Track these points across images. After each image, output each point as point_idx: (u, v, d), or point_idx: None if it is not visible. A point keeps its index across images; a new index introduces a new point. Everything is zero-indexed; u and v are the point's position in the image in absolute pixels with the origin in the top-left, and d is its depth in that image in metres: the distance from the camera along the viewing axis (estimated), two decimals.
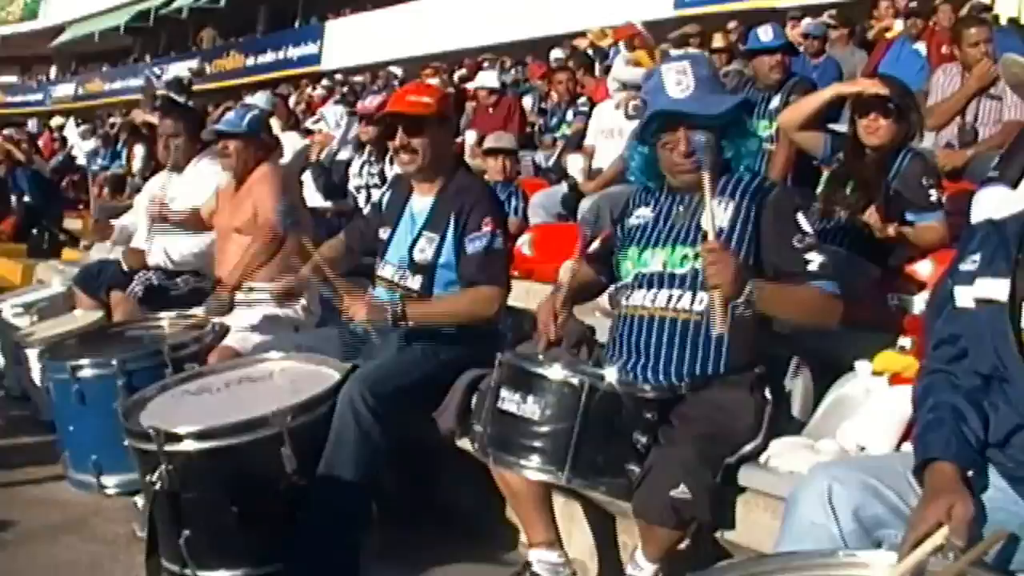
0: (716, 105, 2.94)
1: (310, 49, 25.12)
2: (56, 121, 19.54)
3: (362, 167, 7.00)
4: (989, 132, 5.22)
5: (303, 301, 4.54)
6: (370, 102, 7.28)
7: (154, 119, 8.20)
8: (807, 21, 9.52)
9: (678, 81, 2.95)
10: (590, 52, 10.75)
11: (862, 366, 3.09)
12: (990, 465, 2.09)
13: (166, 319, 4.58)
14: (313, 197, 7.19)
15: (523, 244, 5.51)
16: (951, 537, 1.86)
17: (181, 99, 9.49)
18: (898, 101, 3.98)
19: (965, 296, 2.18)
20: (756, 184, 2.99)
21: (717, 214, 2.87)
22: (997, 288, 2.14)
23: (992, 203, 2.26)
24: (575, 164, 6.55)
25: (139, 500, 3.74)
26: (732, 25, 11.67)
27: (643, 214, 3.14)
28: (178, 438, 3.14)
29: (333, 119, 9.52)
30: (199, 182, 5.20)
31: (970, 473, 2.04)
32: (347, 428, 3.24)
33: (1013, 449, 2.07)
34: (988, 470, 2.09)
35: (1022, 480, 2.05)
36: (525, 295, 4.54)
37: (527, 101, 10.54)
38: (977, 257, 2.20)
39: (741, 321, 2.80)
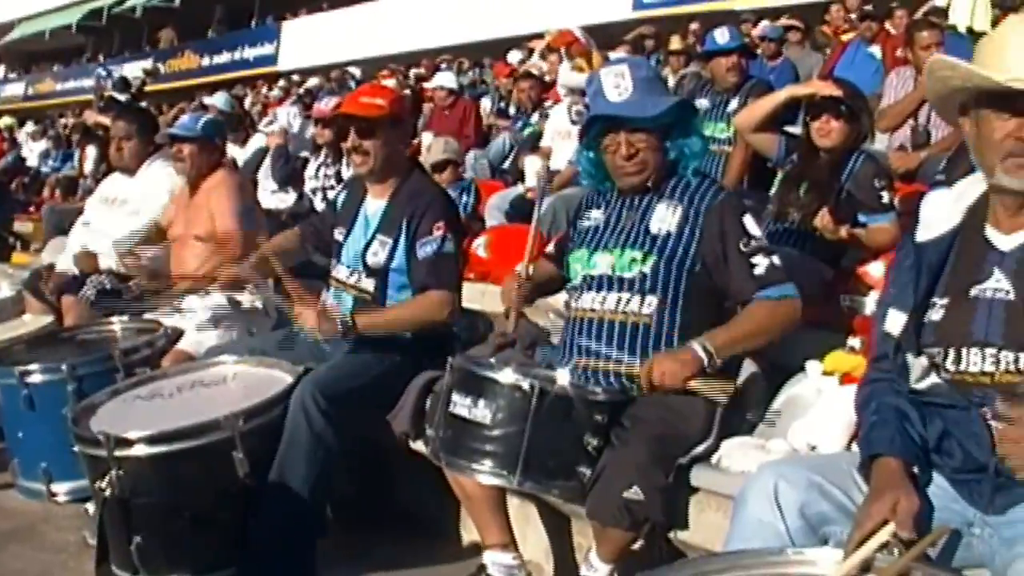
0: (652, 107, 2.95)
1: (266, 49, 24.93)
2: (5, 121, 19.23)
3: (318, 169, 6.96)
4: (942, 134, 5.28)
5: (258, 305, 4.52)
6: (325, 104, 7.24)
7: (106, 120, 8.10)
8: (764, 24, 9.61)
9: (616, 84, 2.96)
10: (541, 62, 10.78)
11: (813, 366, 3.13)
12: (933, 466, 2.13)
13: (118, 323, 4.53)
14: (268, 199, 7.13)
15: (479, 246, 5.51)
16: (896, 532, 1.89)
17: (123, 98, 9.36)
18: (850, 103, 4.04)
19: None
20: (704, 188, 3.01)
21: (664, 217, 2.94)
22: (897, 321, 2.21)
23: (931, 212, 2.29)
24: (532, 166, 6.56)
25: (90, 507, 3.70)
26: (694, 27, 11.75)
27: (594, 216, 3.15)
28: (129, 443, 3.11)
29: (285, 119, 9.47)
30: (152, 186, 5.15)
31: (915, 469, 2.08)
32: (299, 431, 3.24)
33: (944, 454, 2.11)
34: (931, 470, 2.13)
35: (961, 481, 2.09)
36: (480, 297, 4.54)
37: (485, 103, 10.54)
38: (894, 286, 2.28)
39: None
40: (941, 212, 2.25)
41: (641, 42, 11.33)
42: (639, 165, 2.97)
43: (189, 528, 3.12)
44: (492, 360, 3.02)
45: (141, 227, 5.02)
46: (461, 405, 2.83)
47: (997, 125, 2.05)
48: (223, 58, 26.18)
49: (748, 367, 3.12)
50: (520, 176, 6.88)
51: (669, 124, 2.99)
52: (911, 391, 2.17)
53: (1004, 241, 2.12)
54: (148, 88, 15.54)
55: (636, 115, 2.94)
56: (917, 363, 2.16)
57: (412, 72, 14.16)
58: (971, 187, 2.23)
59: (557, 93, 8.59)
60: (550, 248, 3.49)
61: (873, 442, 2.12)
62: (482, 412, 2.79)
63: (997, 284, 2.09)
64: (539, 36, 12.74)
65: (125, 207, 5.18)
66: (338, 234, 3.82)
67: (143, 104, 10.45)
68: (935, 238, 2.22)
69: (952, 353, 2.10)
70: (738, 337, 2.86)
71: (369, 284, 3.64)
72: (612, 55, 8.23)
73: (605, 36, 11.18)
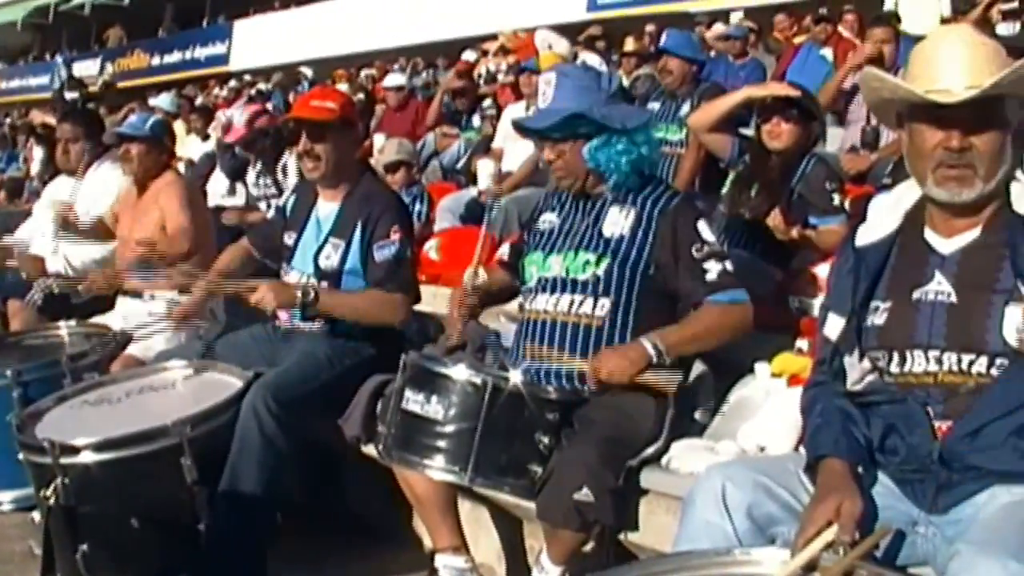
0: (544, 119, 3.01)
1: (218, 49, 24.67)
2: None
3: (257, 178, 6.86)
4: (892, 136, 5.36)
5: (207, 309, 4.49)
6: (237, 119, 7.09)
7: (53, 120, 7.99)
8: (726, 24, 9.71)
9: (543, 92, 3.01)
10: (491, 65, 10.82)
11: (761, 368, 3.16)
12: (878, 466, 2.16)
13: (65, 328, 4.48)
14: (218, 200, 7.05)
15: (430, 249, 5.51)
16: (840, 534, 1.91)
17: (72, 97, 9.23)
18: (804, 105, 4.08)
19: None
20: (659, 192, 3.03)
21: (618, 220, 2.97)
22: (836, 325, 2.25)
23: (873, 215, 2.33)
24: (485, 169, 6.56)
25: (36, 516, 3.64)
26: (650, 29, 11.80)
27: (548, 219, 3.18)
28: (75, 450, 3.08)
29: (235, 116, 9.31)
30: (100, 187, 5.09)
31: (860, 470, 2.11)
32: (250, 435, 3.22)
33: (888, 452, 2.14)
34: (876, 470, 2.16)
35: (905, 480, 2.12)
36: (432, 299, 4.53)
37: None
38: (834, 290, 2.31)
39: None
40: (880, 216, 2.29)
41: (592, 43, 11.37)
42: (561, 171, 3.03)
43: (136, 536, 3.09)
44: (447, 342, 3.04)
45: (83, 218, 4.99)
46: (414, 401, 2.84)
47: (928, 136, 2.09)
48: (174, 58, 25.87)
49: (698, 368, 3.14)
50: (472, 179, 6.88)
51: (589, 133, 2.99)
52: (850, 393, 2.20)
53: (944, 245, 2.16)
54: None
55: (529, 126, 3.07)
56: (857, 366, 2.20)
57: (364, 73, 14.10)
58: (909, 191, 2.26)
59: (498, 92, 8.63)
60: (505, 251, 3.50)
61: (818, 444, 2.15)
62: (435, 408, 2.80)
63: (939, 287, 2.12)
64: (493, 37, 12.79)
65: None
66: (288, 239, 3.81)
67: (95, 102, 10.31)
68: (875, 242, 2.25)
69: (896, 356, 2.13)
70: (688, 337, 2.89)
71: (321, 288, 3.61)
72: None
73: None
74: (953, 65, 2.06)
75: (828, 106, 5.63)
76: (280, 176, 6.57)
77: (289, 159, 6.42)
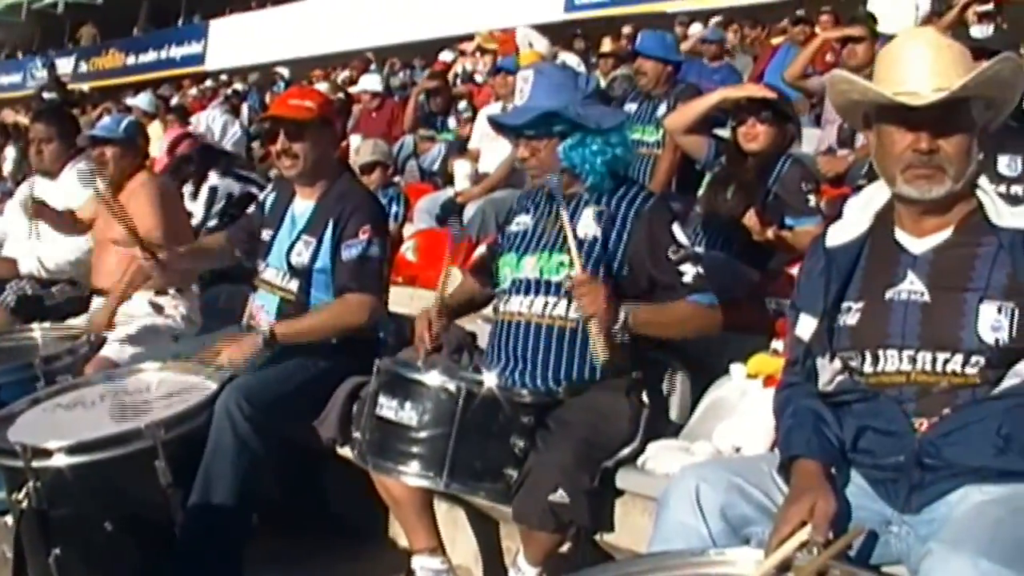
0: (519, 116, 3.01)
1: (193, 48, 24.54)
2: None
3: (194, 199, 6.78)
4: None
5: (182, 310, 4.46)
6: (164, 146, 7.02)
7: (26, 120, 7.90)
8: (703, 26, 9.75)
9: (520, 89, 3.01)
10: (468, 65, 10.82)
11: (737, 369, 3.17)
12: (852, 466, 2.17)
13: (39, 330, 4.43)
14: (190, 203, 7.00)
15: (407, 250, 5.50)
16: (813, 534, 1.92)
17: (50, 96, 9.13)
18: (779, 107, 4.10)
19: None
20: (633, 194, 3.03)
21: (593, 222, 2.95)
22: (808, 326, 2.26)
23: (848, 215, 2.35)
24: (462, 170, 6.56)
25: (8, 520, 3.60)
26: (626, 30, 11.82)
27: (523, 221, 3.17)
28: (47, 453, 3.04)
29: (205, 124, 9.27)
30: (73, 189, 5.04)
31: (833, 470, 2.12)
32: (225, 438, 3.21)
33: (861, 453, 2.15)
34: (850, 470, 2.17)
35: (878, 480, 2.13)
36: (409, 301, 4.53)
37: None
38: (804, 291, 2.33)
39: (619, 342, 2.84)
40: (851, 217, 2.31)
41: (570, 42, 11.40)
42: (535, 170, 3.03)
43: (110, 540, 3.05)
44: (419, 363, 3.02)
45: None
46: (388, 407, 2.84)
47: (896, 138, 2.11)
48: (149, 57, 25.71)
49: (674, 369, 3.16)
50: (449, 179, 6.87)
51: (564, 131, 2.99)
52: (822, 394, 2.21)
53: (915, 244, 2.18)
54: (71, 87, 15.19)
55: (507, 123, 3.05)
56: (828, 367, 2.21)
57: (342, 76, 14.04)
58: (879, 192, 2.28)
59: (474, 93, 8.63)
60: (479, 253, 3.50)
61: (791, 444, 2.16)
62: (408, 414, 2.80)
63: (911, 286, 2.14)
64: (470, 37, 12.78)
65: None
66: (265, 235, 3.79)
67: (71, 102, 10.19)
68: (845, 243, 2.27)
69: (869, 356, 2.14)
70: (658, 321, 2.89)
71: (293, 285, 3.62)
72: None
73: None
74: (920, 67, 2.08)
75: (794, 79, 5.75)
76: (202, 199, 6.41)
77: (214, 183, 6.35)
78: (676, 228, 2.97)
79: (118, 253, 4.43)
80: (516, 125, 3.03)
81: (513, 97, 3.15)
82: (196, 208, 6.32)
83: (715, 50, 8.69)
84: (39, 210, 4.68)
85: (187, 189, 6.39)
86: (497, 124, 3.19)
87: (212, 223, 6.06)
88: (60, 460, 3.04)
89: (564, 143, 2.98)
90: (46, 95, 10.40)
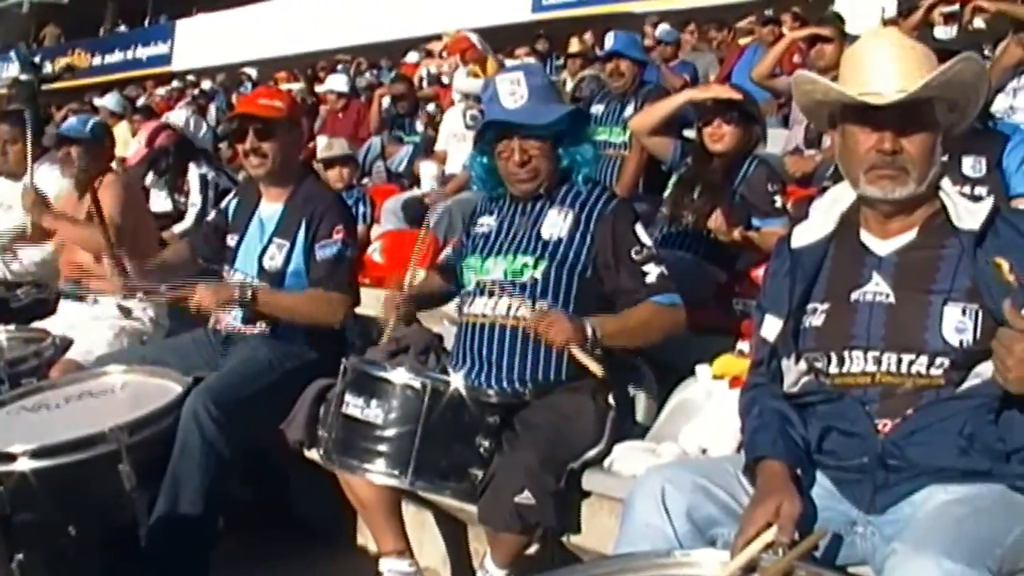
0: (546, 115, 2.98)
1: (160, 49, 24.30)
2: None
3: (171, 194, 6.72)
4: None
5: (151, 313, 4.42)
6: (136, 150, 6.97)
7: None
8: (662, 27, 9.77)
9: (511, 91, 2.99)
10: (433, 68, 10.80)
11: (703, 370, 3.18)
12: (817, 467, 2.19)
13: (4, 332, 4.38)
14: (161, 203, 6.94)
15: (374, 251, 5.49)
16: (779, 535, 1.93)
17: (25, 78, 8.95)
18: (745, 108, 4.12)
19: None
20: (596, 195, 3.04)
21: (556, 223, 2.98)
22: (773, 327, 2.27)
23: (813, 216, 2.36)
24: (428, 172, 6.55)
25: None
26: (587, 36, 11.82)
27: (487, 222, 3.17)
28: (11, 458, 3.01)
29: (183, 119, 9.17)
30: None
31: (798, 471, 2.13)
32: (191, 441, 3.19)
33: (826, 454, 2.17)
34: (815, 472, 2.18)
35: (843, 481, 2.14)
36: (375, 302, 4.49)
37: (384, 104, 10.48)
38: (770, 292, 2.34)
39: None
40: (816, 218, 2.32)
41: (536, 43, 11.40)
42: (531, 172, 3.01)
43: (74, 544, 3.02)
44: (386, 363, 3.02)
45: (13, 226, 4.88)
46: (354, 405, 2.84)
47: (860, 138, 2.13)
48: (115, 57, 25.42)
49: (640, 370, 3.16)
50: (416, 180, 6.85)
51: (561, 132, 3.01)
52: (787, 395, 2.23)
53: (880, 246, 2.19)
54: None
55: (530, 122, 2.96)
56: (793, 368, 2.22)
57: (306, 77, 13.96)
58: (844, 193, 2.30)
59: (440, 94, 8.62)
60: (445, 254, 3.50)
61: (756, 445, 2.17)
62: (374, 412, 2.80)
63: (877, 288, 2.15)
64: (437, 37, 12.76)
65: (11, 213, 5.01)
66: (231, 240, 3.78)
67: (51, 82, 9.99)
68: (810, 244, 2.28)
69: (834, 357, 2.16)
70: (625, 330, 2.89)
71: None
72: (509, 61, 8.26)
73: (504, 38, 11.22)
74: (884, 68, 2.10)
75: (762, 78, 5.79)
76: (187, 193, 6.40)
77: (194, 174, 6.32)
78: (639, 229, 2.98)
79: (82, 254, 4.40)
80: (540, 124, 2.96)
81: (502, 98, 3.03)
82: (195, 198, 6.37)
83: (670, 51, 8.71)
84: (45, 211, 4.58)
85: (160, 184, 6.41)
86: (500, 125, 3.03)
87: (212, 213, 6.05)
88: (24, 464, 3.01)
89: (565, 142, 3.00)
90: (23, 78, 10.21)
